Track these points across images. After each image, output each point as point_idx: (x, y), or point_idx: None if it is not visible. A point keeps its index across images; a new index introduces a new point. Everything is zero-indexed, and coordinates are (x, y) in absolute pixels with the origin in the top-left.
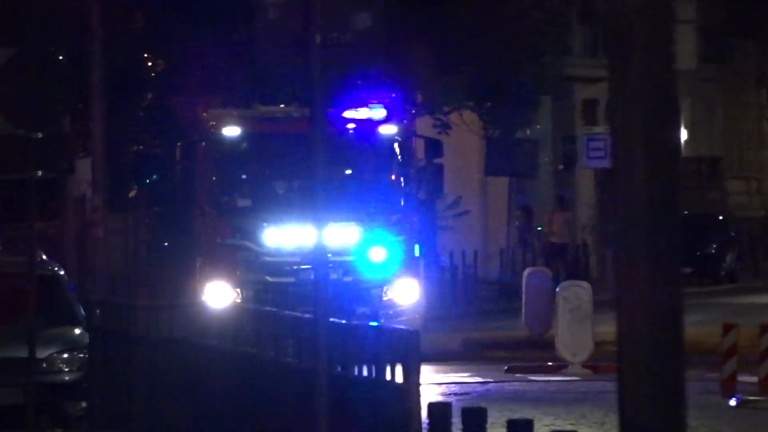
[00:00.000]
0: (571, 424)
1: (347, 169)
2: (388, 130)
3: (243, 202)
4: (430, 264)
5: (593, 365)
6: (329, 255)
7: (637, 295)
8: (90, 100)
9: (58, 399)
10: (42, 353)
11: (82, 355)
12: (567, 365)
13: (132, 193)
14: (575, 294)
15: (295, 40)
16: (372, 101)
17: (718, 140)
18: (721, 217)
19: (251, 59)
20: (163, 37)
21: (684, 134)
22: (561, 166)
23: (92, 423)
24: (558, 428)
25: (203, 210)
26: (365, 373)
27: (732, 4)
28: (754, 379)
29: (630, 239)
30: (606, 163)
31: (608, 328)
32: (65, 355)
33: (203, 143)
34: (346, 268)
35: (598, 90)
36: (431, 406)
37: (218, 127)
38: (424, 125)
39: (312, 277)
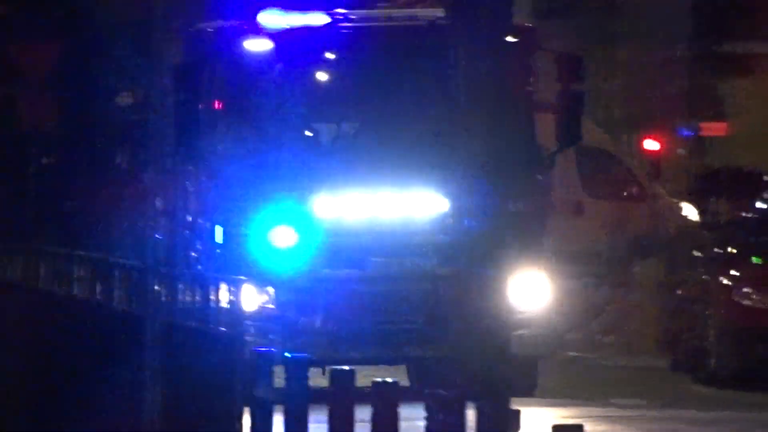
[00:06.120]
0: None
1: (431, 101)
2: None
3: (278, 155)
4: None
5: None
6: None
7: None
8: None
9: None
10: None
11: None
12: None
13: None
14: None
15: None
16: None
17: None
18: None
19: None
20: None
21: None
22: None
23: None
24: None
25: (209, 166)
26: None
27: None
28: None
29: None
30: None
31: None
32: None
33: (210, 70)
34: (443, 255)
35: None
36: (253, 354)
37: (235, 44)
38: None
39: (392, 269)
